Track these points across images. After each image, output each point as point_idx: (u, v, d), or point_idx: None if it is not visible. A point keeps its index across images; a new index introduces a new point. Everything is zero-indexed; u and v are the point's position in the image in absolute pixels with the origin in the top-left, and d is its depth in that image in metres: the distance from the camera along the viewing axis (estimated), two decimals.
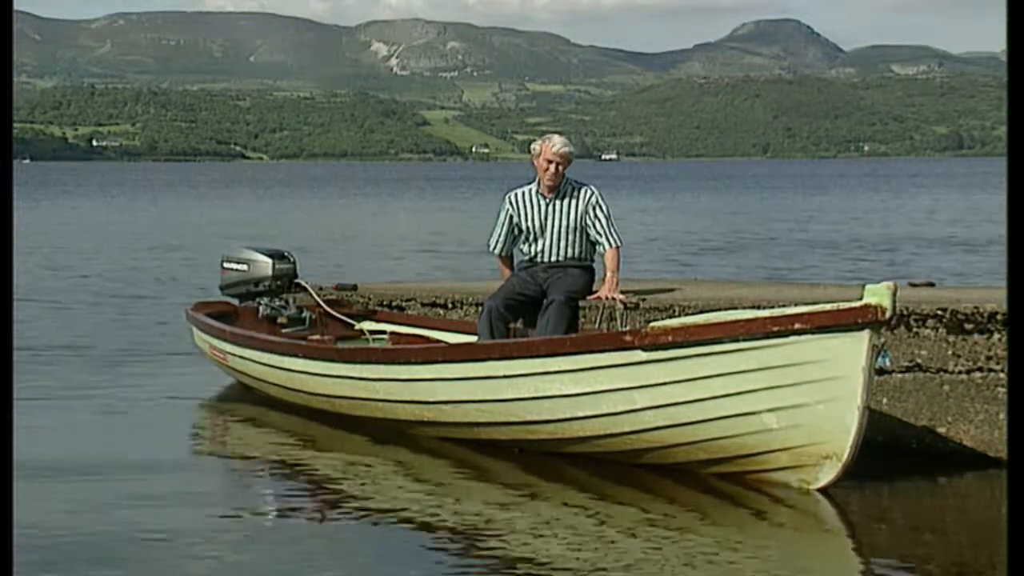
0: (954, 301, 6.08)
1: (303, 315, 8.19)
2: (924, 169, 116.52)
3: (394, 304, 8.33)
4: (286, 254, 8.27)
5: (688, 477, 5.43)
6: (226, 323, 7.90)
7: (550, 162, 6.95)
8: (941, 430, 5.92)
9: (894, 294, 4.88)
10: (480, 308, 7.29)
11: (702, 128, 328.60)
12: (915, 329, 6.02)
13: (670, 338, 5.17)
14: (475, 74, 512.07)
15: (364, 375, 6.48)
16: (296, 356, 6.94)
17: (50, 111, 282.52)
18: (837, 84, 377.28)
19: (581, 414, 5.55)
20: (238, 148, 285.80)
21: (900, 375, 5.99)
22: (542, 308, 6.86)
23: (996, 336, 5.80)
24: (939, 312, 5.96)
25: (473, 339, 6.93)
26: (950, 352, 5.92)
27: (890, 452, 5.92)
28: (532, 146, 7.16)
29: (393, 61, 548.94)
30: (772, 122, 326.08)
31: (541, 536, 4.78)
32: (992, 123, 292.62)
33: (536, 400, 5.68)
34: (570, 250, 7.05)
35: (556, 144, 7.02)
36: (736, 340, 5.04)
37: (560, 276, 6.98)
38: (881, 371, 5.06)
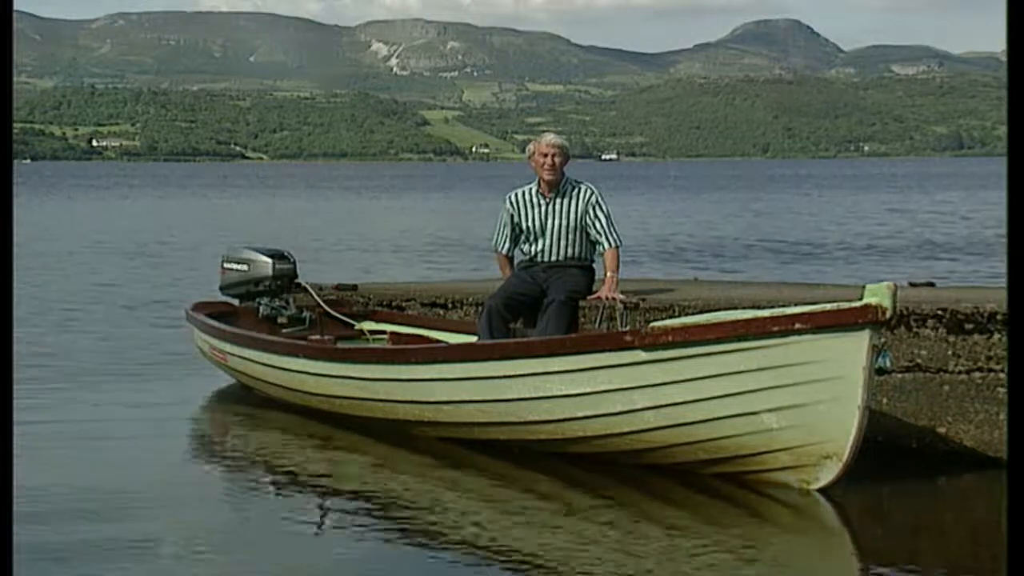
0: (954, 301, 6.08)
1: (303, 315, 8.19)
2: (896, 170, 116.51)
3: (394, 304, 8.33)
4: (286, 254, 8.27)
5: (688, 477, 5.43)
6: (226, 323, 7.90)
7: (545, 155, 6.98)
8: (941, 430, 5.92)
9: (894, 294, 4.88)
10: (480, 308, 7.29)
11: (702, 128, 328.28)
12: (915, 329, 6.02)
13: (670, 338, 5.17)
14: (475, 74, 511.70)
15: (364, 375, 6.48)
16: (296, 356, 6.94)
17: (50, 111, 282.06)
18: (837, 84, 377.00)
19: (581, 414, 5.55)
20: (238, 148, 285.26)
21: (900, 375, 5.99)
22: (542, 308, 6.87)
23: (996, 336, 5.79)
24: (939, 312, 5.96)
25: (473, 339, 6.94)
26: (950, 352, 5.92)
27: (890, 452, 5.92)
28: (527, 148, 7.23)
29: (393, 61, 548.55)
30: (772, 122, 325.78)
31: (540, 536, 4.78)
32: (992, 123, 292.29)
33: (536, 400, 5.68)
34: (570, 250, 7.05)
35: (548, 136, 7.23)
36: (736, 340, 5.04)
37: (560, 276, 6.98)
38: (881, 371, 5.05)
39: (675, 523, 4.95)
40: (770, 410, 5.07)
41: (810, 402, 4.99)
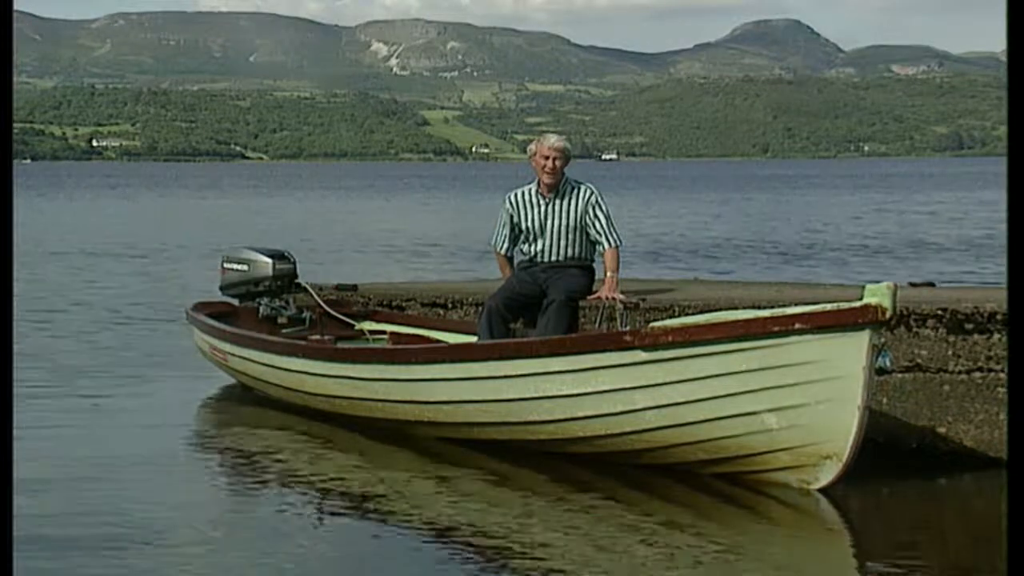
0: (954, 301, 6.08)
1: (303, 315, 8.19)
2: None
3: (394, 304, 8.33)
4: (286, 254, 8.27)
5: (688, 477, 5.44)
6: (226, 323, 7.91)
7: (546, 158, 6.98)
8: (941, 430, 5.92)
9: (894, 294, 4.88)
10: (480, 308, 7.30)
11: (702, 128, 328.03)
12: (915, 329, 6.02)
13: (670, 338, 5.17)
14: (475, 74, 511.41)
15: (364, 375, 6.48)
16: (296, 356, 6.94)
17: (50, 111, 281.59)
18: (837, 84, 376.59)
19: (581, 414, 5.56)
20: (238, 148, 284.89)
21: (900, 375, 5.99)
22: (542, 308, 6.87)
23: (996, 336, 5.80)
24: (939, 312, 5.96)
25: (473, 339, 6.94)
26: (950, 352, 5.92)
27: (890, 452, 5.92)
28: (528, 147, 7.22)
29: (393, 61, 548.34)
30: (772, 122, 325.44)
31: (540, 535, 4.79)
32: (992, 123, 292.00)
33: (536, 400, 5.68)
34: (570, 250, 7.05)
35: (551, 139, 7.16)
36: (736, 340, 5.04)
37: (560, 276, 6.98)
38: (881, 371, 5.05)
39: (675, 523, 4.95)
40: (770, 410, 5.07)
41: (810, 402, 4.99)
